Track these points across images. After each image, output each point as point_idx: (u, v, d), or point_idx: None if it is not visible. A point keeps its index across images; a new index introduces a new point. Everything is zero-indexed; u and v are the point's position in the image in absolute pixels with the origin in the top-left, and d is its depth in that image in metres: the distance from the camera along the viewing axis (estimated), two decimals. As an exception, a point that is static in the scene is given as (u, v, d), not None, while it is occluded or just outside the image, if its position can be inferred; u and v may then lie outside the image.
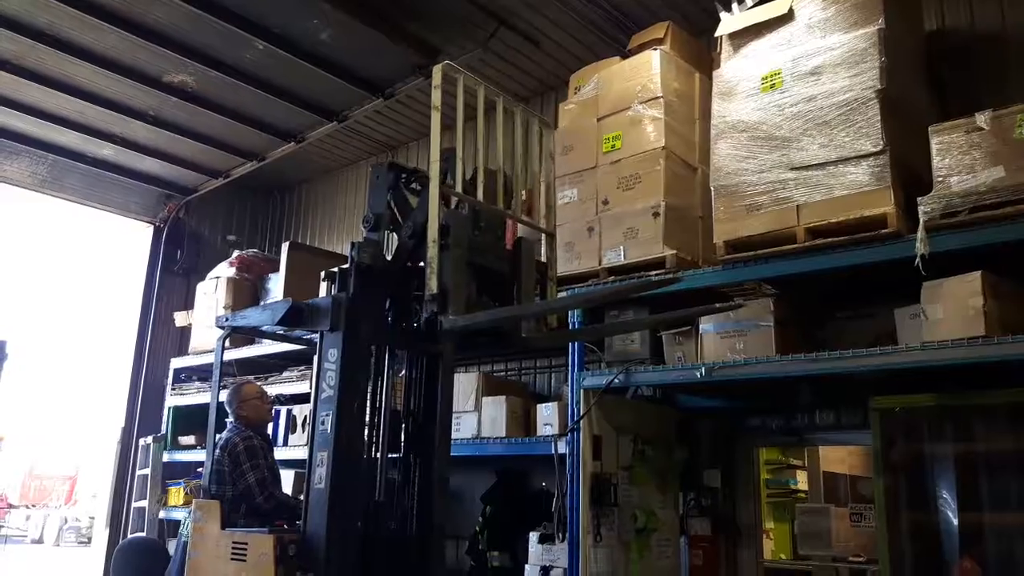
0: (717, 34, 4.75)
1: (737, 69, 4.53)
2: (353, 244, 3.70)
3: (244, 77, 6.99)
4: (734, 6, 4.84)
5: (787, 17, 4.40)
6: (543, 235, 4.11)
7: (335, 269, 3.76)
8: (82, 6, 6.00)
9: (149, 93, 7.25)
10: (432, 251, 3.29)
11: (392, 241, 3.82)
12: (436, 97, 3.47)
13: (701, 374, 4.33)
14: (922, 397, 4.06)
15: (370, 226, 3.78)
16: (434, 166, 3.40)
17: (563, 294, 5.00)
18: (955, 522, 3.97)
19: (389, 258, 3.79)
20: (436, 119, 3.44)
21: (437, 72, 3.50)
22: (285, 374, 7.31)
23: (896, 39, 4.13)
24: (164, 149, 8.44)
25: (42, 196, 8.65)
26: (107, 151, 8.39)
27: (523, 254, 3.76)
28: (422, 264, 3.43)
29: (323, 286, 3.72)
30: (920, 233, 3.66)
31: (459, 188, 3.52)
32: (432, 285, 3.27)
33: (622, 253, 4.85)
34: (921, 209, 3.71)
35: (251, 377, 7.10)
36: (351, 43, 6.38)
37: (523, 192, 4.08)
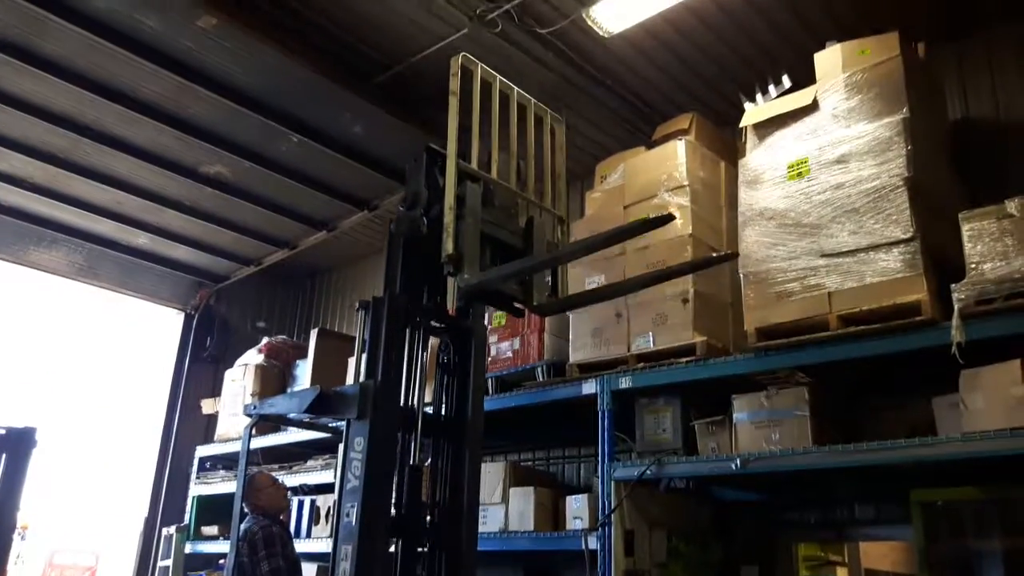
0: (742, 124, 4.83)
1: (763, 158, 4.58)
2: (391, 220, 4.00)
3: (278, 168, 7.19)
4: (758, 97, 4.94)
5: (812, 107, 4.47)
6: (555, 219, 4.23)
7: (369, 299, 3.87)
8: (127, 103, 6.25)
9: (185, 183, 7.45)
10: (448, 217, 3.60)
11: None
12: (454, 84, 3.80)
13: (736, 466, 4.21)
14: (965, 490, 3.92)
15: (407, 205, 3.99)
16: (451, 144, 3.71)
17: (590, 382, 4.96)
18: (1007, 623, 3.77)
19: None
20: (453, 103, 3.77)
21: (455, 62, 3.83)
22: (309, 463, 7.23)
23: (921, 127, 4.17)
24: (198, 238, 8.63)
25: (76, 283, 8.83)
26: (142, 239, 8.59)
27: (535, 231, 3.99)
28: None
29: (358, 316, 3.86)
30: (955, 320, 3.60)
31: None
32: (448, 247, 3.56)
33: (651, 340, 4.82)
34: (955, 296, 3.65)
35: (275, 467, 7.05)
36: (383, 136, 6.57)
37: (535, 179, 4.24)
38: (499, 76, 4.05)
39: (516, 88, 4.16)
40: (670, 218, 3.69)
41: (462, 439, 3.86)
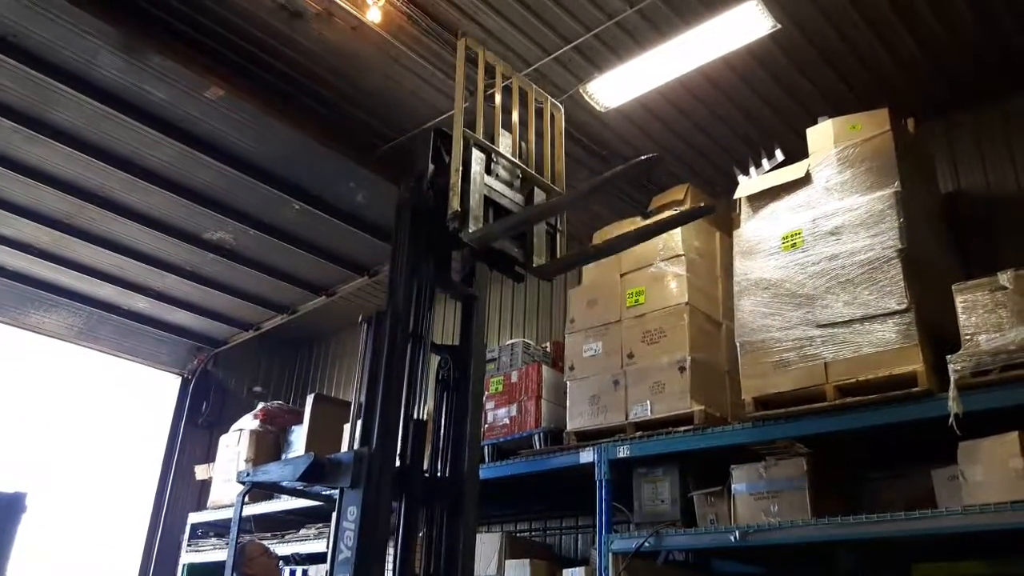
0: (736, 196, 4.91)
1: (757, 229, 4.65)
2: (400, 188, 4.17)
3: (280, 234, 7.28)
4: (751, 169, 5.03)
5: (805, 180, 4.55)
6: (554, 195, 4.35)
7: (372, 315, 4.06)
8: (132, 170, 6.37)
9: (187, 249, 7.54)
10: (455, 178, 3.83)
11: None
12: (459, 65, 4.10)
13: (735, 538, 4.15)
14: (967, 565, 3.85)
15: (415, 181, 4.11)
16: (457, 111, 3.96)
17: (588, 451, 4.93)
18: None
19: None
20: (459, 77, 4.06)
21: (460, 46, 4.12)
22: (302, 531, 7.12)
23: (913, 200, 4.25)
24: (197, 302, 8.67)
25: (74, 346, 8.83)
26: (142, 304, 8.62)
27: (534, 200, 4.24)
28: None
29: (363, 329, 4.11)
30: (952, 392, 3.59)
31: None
32: (454, 204, 3.78)
33: (649, 408, 4.81)
34: (951, 367, 3.66)
35: (267, 535, 6.94)
36: (384, 203, 6.65)
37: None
38: (502, 60, 4.33)
39: (518, 73, 4.39)
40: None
41: (459, 498, 3.81)
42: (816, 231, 4.35)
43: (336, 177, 6.44)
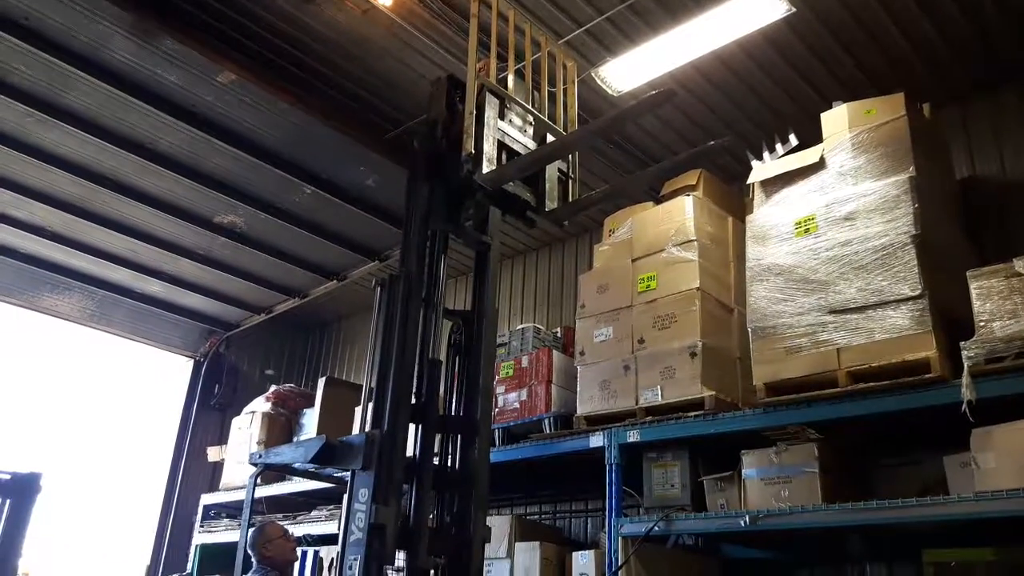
0: (749, 181, 4.89)
1: (770, 214, 4.63)
2: (412, 135, 4.24)
3: (291, 219, 7.29)
4: (765, 154, 5.00)
5: (819, 165, 4.53)
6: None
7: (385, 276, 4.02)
8: (145, 154, 6.38)
9: (199, 233, 7.56)
10: (468, 120, 3.83)
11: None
12: (474, 7, 4.07)
13: (745, 523, 4.16)
14: (979, 551, 3.84)
15: (429, 126, 4.15)
16: (471, 56, 3.93)
17: (598, 435, 4.94)
18: None
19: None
20: (474, 21, 4.02)
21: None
22: (314, 513, 7.16)
23: (928, 185, 4.21)
24: (210, 286, 8.71)
25: (87, 329, 8.89)
26: (155, 287, 8.67)
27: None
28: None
29: (375, 294, 4.01)
30: (965, 379, 3.58)
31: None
32: (468, 146, 3.81)
33: (659, 393, 4.81)
34: (965, 354, 3.64)
35: (279, 516, 6.99)
36: (396, 188, 6.60)
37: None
38: (516, 9, 4.33)
39: (531, 23, 4.40)
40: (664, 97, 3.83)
41: (473, 435, 3.88)
42: (830, 216, 4.33)
43: (347, 161, 6.43)
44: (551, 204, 4.18)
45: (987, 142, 5.27)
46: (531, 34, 4.38)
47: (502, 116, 4.08)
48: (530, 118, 4.24)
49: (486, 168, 3.83)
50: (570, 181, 4.34)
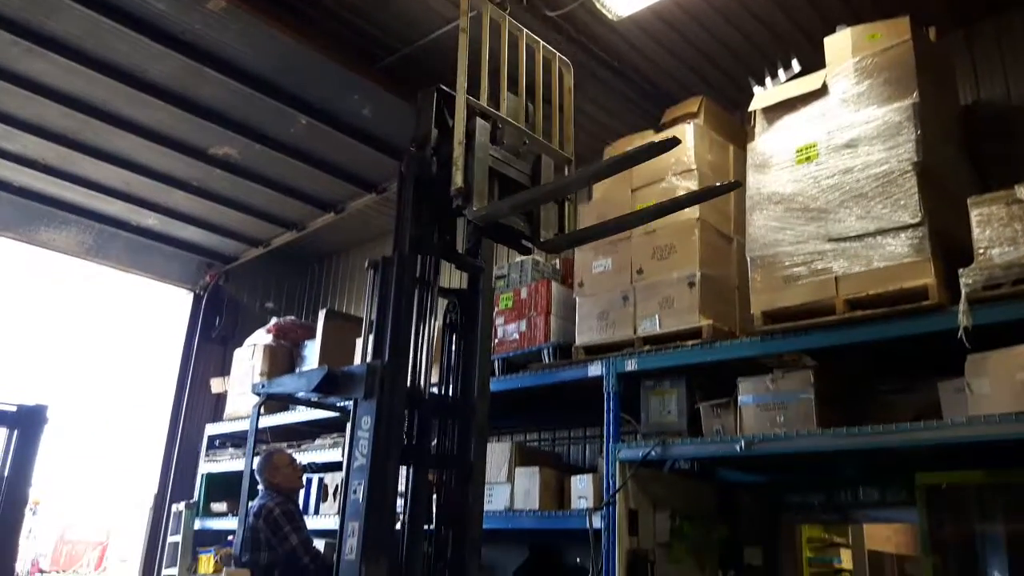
0: (751, 108, 4.81)
1: (771, 142, 4.57)
2: (402, 159, 3.99)
3: (287, 150, 7.20)
4: (767, 81, 4.92)
5: (821, 92, 4.45)
6: (563, 160, 4.25)
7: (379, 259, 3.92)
8: (135, 84, 6.26)
9: (194, 165, 7.47)
10: (458, 151, 3.64)
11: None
12: (463, 21, 3.83)
13: (740, 447, 4.23)
14: (970, 474, 3.94)
15: (417, 145, 3.98)
16: (461, 78, 3.72)
17: (596, 364, 4.98)
18: (1009, 605, 3.80)
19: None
20: (463, 39, 3.78)
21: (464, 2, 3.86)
22: (318, 441, 7.30)
23: (931, 112, 4.15)
24: (206, 218, 8.66)
25: (86, 263, 8.89)
26: (151, 220, 8.63)
27: (542, 169, 4.06)
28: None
29: (368, 275, 3.94)
30: (962, 305, 3.60)
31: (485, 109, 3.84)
32: (457, 180, 3.60)
33: (658, 322, 4.84)
34: (963, 281, 3.65)
35: (283, 445, 7.12)
36: (392, 118, 6.56)
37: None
38: (508, 17, 4.10)
39: (525, 30, 4.22)
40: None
41: (470, 419, 3.90)
42: (831, 144, 4.28)
43: (341, 90, 6.31)
44: (547, 234, 3.96)
45: (993, 66, 5.17)
46: (524, 41, 4.18)
47: (494, 139, 3.86)
48: (524, 138, 4.03)
49: (477, 204, 3.63)
50: (567, 204, 4.12)
